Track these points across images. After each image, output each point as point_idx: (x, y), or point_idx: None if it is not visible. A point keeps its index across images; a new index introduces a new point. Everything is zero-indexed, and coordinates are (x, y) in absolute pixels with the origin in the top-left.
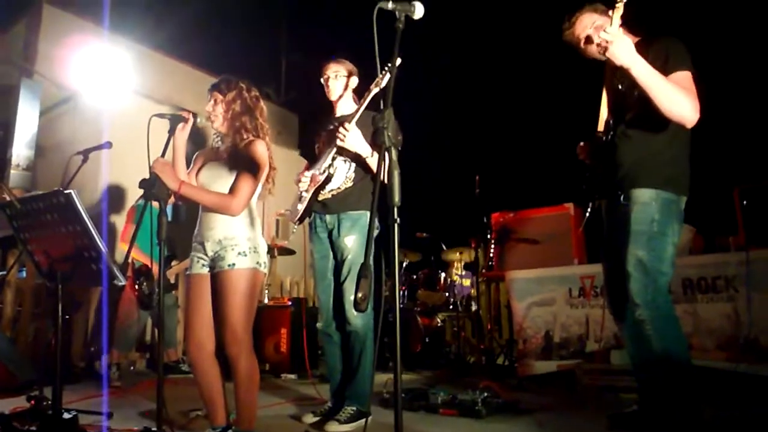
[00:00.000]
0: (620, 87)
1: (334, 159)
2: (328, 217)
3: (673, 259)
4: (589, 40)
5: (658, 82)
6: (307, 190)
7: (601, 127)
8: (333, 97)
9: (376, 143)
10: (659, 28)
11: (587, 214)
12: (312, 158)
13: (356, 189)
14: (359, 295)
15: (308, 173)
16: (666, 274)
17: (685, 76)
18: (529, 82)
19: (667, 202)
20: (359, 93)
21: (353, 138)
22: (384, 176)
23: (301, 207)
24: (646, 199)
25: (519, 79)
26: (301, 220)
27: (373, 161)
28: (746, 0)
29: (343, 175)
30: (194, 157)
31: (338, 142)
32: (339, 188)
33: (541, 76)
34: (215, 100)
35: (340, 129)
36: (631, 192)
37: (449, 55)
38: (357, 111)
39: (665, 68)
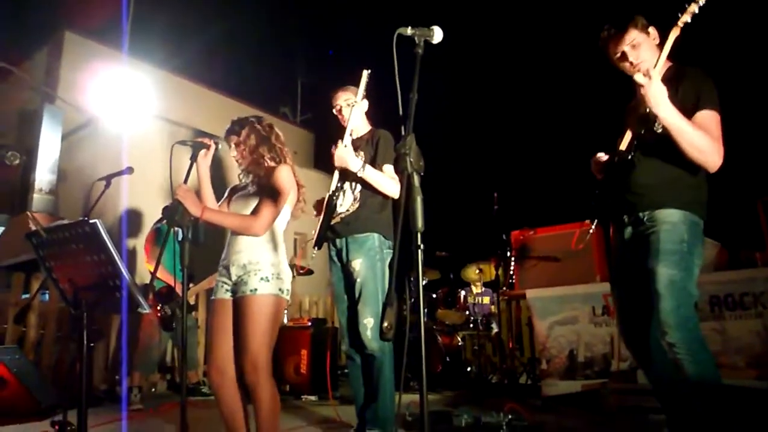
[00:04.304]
0: (647, 110)
1: (341, 182)
2: (338, 241)
3: (696, 281)
4: (624, 56)
5: (686, 129)
6: (318, 215)
7: (624, 146)
8: (347, 124)
9: (398, 169)
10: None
11: (590, 231)
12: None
13: (363, 211)
14: (385, 324)
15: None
16: (695, 296)
17: (712, 117)
18: (548, 97)
19: (694, 224)
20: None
21: (340, 156)
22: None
23: (314, 232)
24: (675, 220)
25: (539, 94)
26: (316, 244)
27: (372, 176)
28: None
29: (350, 197)
30: (227, 191)
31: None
32: (348, 211)
33: (561, 92)
34: (233, 144)
35: (333, 151)
36: (656, 212)
37: (467, 72)
38: (346, 130)
39: (696, 106)
